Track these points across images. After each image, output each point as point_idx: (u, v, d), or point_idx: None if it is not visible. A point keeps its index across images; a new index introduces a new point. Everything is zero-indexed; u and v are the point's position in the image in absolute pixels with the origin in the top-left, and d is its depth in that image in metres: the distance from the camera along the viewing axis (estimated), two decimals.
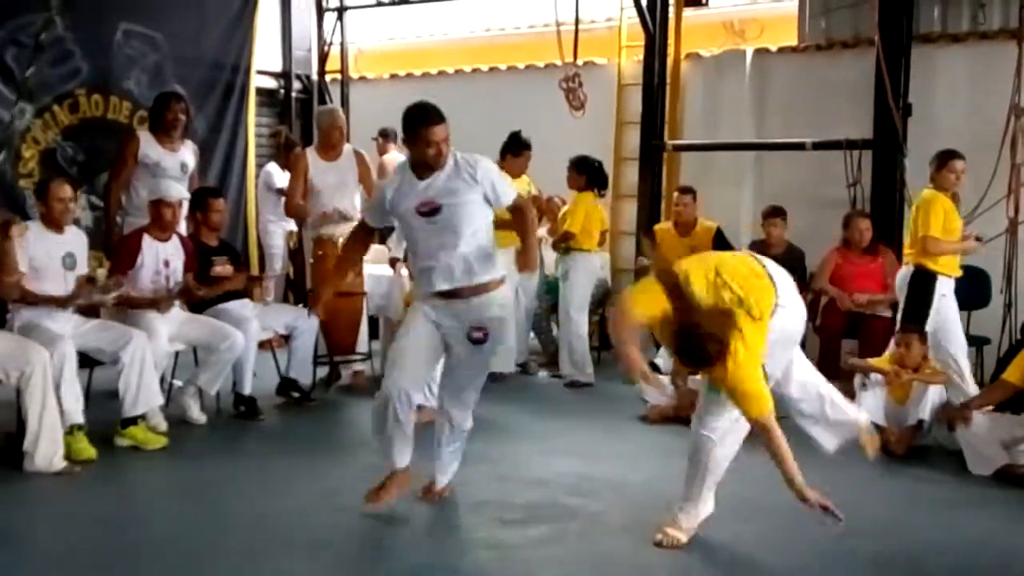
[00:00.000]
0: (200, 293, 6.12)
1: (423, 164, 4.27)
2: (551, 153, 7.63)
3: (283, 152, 8.71)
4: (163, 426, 5.67)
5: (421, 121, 4.21)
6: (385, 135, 9.05)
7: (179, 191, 6.10)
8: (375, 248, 7.37)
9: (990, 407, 5.38)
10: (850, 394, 5.86)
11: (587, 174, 7.54)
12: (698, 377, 6.30)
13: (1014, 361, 5.50)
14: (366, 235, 4.69)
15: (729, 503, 4.28)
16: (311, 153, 7.07)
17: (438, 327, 4.36)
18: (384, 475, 4.45)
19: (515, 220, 4.54)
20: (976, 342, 6.97)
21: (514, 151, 7.41)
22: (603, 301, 8.39)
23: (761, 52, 8.56)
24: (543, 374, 7.76)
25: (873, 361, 5.92)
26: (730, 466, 4.13)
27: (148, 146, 6.50)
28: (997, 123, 6.80)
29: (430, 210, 4.24)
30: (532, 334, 8.02)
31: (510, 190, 4.45)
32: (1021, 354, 5.53)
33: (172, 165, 6.50)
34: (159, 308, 5.80)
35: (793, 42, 8.52)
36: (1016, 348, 6.17)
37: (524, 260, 4.72)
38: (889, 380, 5.68)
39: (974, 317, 7.15)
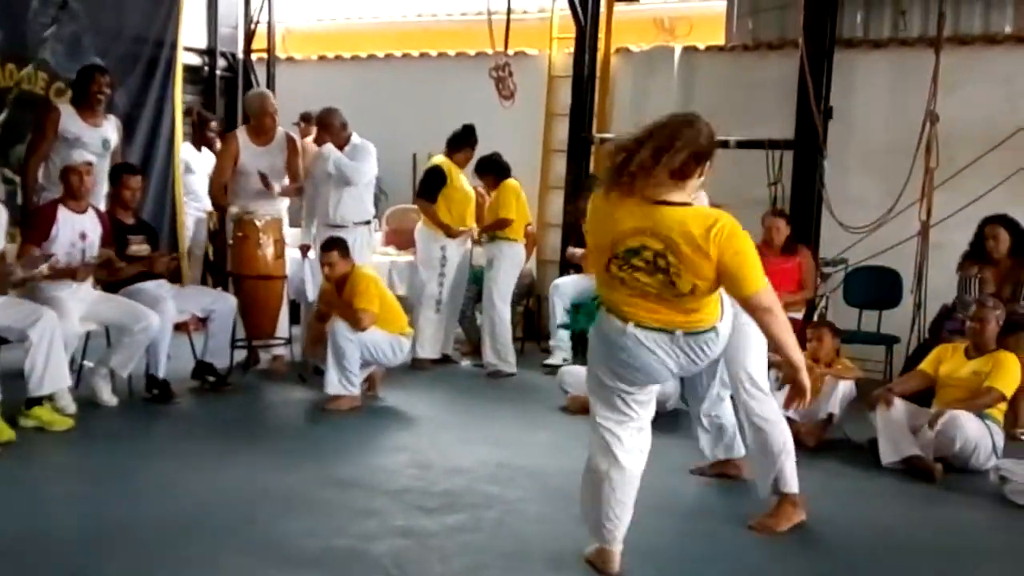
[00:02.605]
0: (119, 266, 6.00)
1: None
2: (480, 143, 7.61)
3: (196, 130, 8.54)
4: (71, 408, 5.54)
5: None
6: (307, 119, 8.86)
7: (83, 156, 5.96)
8: (293, 232, 7.33)
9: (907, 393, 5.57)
10: None
11: (492, 172, 7.57)
12: None
13: (930, 355, 5.72)
14: None
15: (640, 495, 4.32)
16: (242, 135, 6.99)
17: None
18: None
19: None
20: (886, 340, 7.16)
21: (472, 144, 7.50)
22: (528, 292, 8.43)
23: (689, 50, 8.65)
24: (466, 363, 7.76)
25: None
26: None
27: (69, 120, 6.34)
28: (913, 128, 6.97)
29: None
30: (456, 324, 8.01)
31: None
32: (937, 349, 5.74)
33: (93, 140, 6.35)
34: (76, 277, 5.65)
35: (721, 41, 8.64)
36: (925, 346, 6.35)
37: None
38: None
39: (885, 316, 7.35)
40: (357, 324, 6.04)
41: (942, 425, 5.22)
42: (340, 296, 6.22)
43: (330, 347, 6.04)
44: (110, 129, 6.51)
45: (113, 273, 6.01)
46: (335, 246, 6.29)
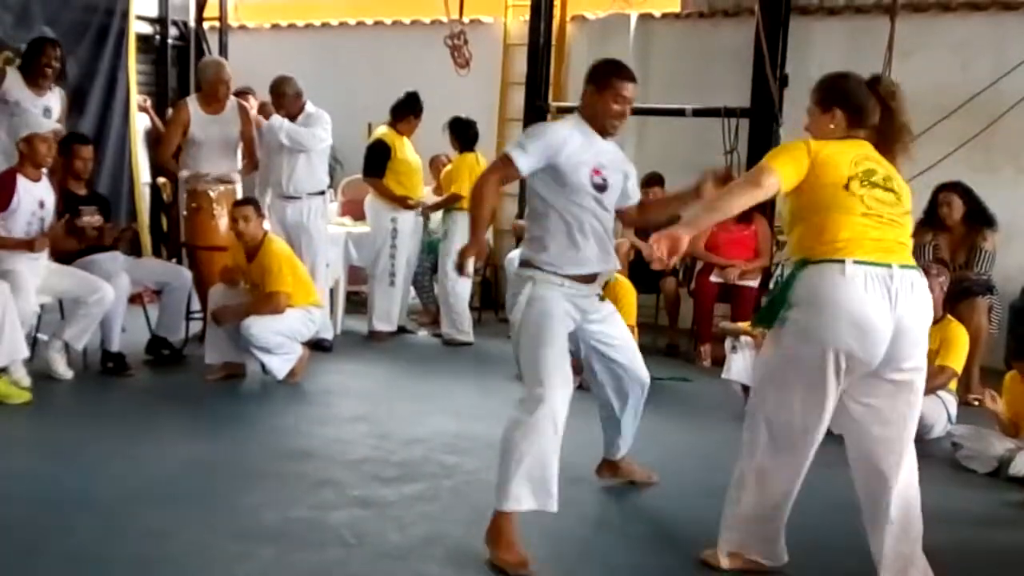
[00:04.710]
0: (88, 234, 5.95)
1: (597, 124, 3.83)
2: (435, 111, 7.58)
3: None
4: (26, 381, 5.47)
5: (616, 71, 3.82)
6: (243, 94, 8.62)
7: (50, 124, 5.89)
8: None
9: None
10: (721, 356, 6.06)
11: (458, 136, 7.54)
12: None
13: None
14: (505, 178, 3.82)
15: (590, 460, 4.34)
16: (192, 103, 6.88)
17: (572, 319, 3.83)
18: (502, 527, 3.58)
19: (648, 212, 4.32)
20: None
21: (416, 112, 7.40)
22: (485, 262, 8.42)
23: (645, 17, 8.65)
24: (423, 333, 7.76)
25: (743, 324, 6.10)
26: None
27: (13, 84, 6.32)
28: None
29: (601, 184, 3.80)
30: (413, 293, 8.00)
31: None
32: None
33: (34, 107, 6.29)
34: (34, 247, 5.57)
35: (676, 8, 8.63)
36: None
37: None
38: (758, 342, 5.84)
39: None
40: (273, 309, 5.88)
41: None
42: (249, 264, 6.04)
43: (252, 350, 5.92)
44: (53, 99, 6.47)
45: (80, 239, 5.94)
46: (250, 202, 6.14)
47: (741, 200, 3.24)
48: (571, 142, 3.73)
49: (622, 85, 3.77)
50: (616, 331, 4.05)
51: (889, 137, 3.41)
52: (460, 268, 3.68)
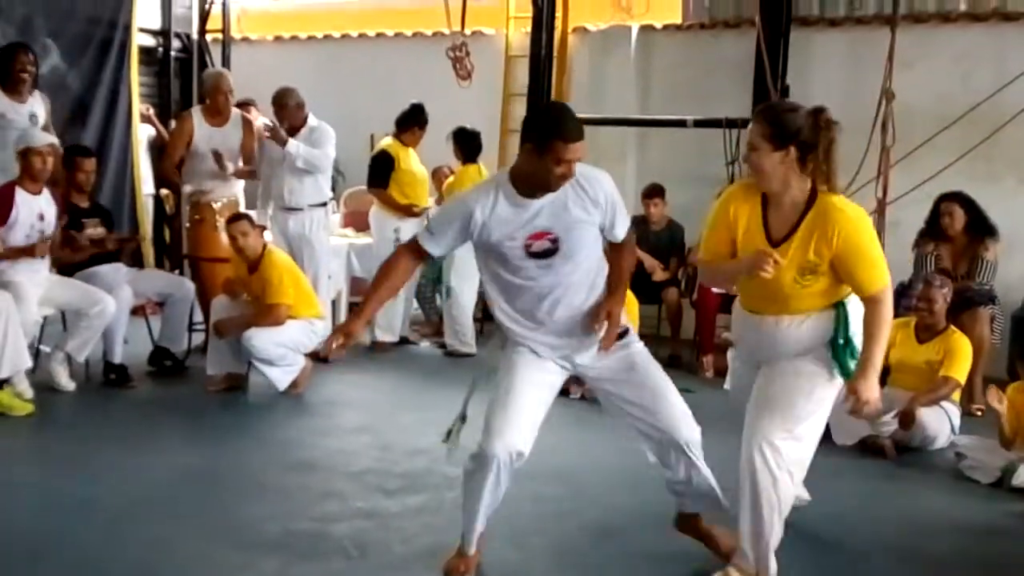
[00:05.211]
0: (82, 244, 5.92)
1: (539, 183, 3.27)
2: (437, 123, 7.59)
3: None
4: (29, 393, 5.50)
5: (559, 133, 3.17)
6: (243, 105, 8.63)
7: (45, 137, 5.86)
8: (249, 214, 7.25)
9: None
10: (724, 366, 6.04)
11: (461, 147, 7.55)
12: None
13: None
14: (416, 261, 3.53)
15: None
16: (197, 115, 6.91)
17: (555, 361, 3.51)
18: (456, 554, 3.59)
19: (615, 259, 3.56)
20: None
21: (421, 124, 7.45)
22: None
23: (646, 29, 8.66)
24: (426, 344, 7.75)
25: None
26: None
27: None
28: (869, 106, 7.01)
29: (548, 248, 3.31)
30: (415, 304, 8.00)
31: (627, 221, 3.53)
32: None
33: (19, 117, 6.25)
34: (35, 252, 5.57)
35: (678, 20, 8.65)
36: None
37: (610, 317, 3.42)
38: None
39: None
40: (274, 321, 5.89)
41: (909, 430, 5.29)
42: (250, 276, 6.03)
43: (254, 362, 5.94)
44: (36, 104, 6.41)
45: (76, 250, 5.94)
46: (244, 217, 6.14)
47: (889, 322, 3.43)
48: (487, 213, 3.30)
49: (566, 149, 3.16)
50: (629, 390, 3.57)
51: (829, 168, 3.39)
52: (328, 352, 3.70)
